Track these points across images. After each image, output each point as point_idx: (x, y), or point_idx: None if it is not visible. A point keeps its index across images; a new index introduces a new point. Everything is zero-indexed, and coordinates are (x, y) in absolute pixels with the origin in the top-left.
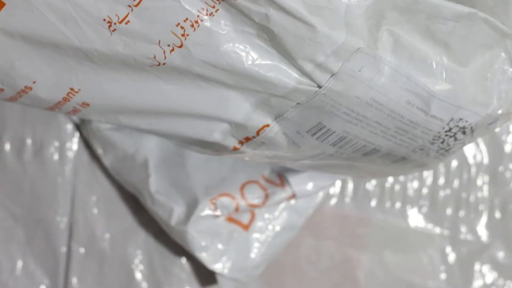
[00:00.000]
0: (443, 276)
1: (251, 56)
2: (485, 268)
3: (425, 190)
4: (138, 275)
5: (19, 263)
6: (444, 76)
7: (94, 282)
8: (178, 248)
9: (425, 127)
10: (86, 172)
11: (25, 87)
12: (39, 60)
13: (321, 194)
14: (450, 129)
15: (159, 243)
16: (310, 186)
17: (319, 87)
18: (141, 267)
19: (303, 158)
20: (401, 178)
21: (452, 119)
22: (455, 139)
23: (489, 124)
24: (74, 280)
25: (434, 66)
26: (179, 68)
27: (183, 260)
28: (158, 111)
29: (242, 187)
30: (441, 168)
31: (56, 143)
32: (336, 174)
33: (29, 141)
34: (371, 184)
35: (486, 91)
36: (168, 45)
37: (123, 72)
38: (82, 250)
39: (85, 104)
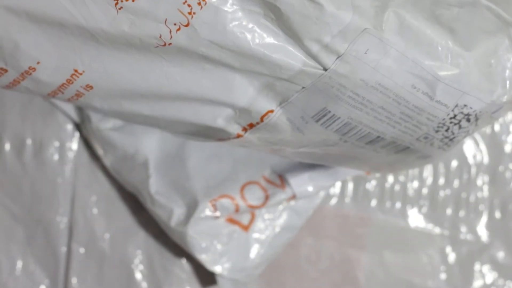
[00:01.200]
0: (443, 276)
1: (258, 36)
2: (485, 268)
3: (425, 190)
4: (138, 275)
5: (19, 263)
6: (450, 60)
7: (94, 282)
8: (178, 248)
9: (430, 113)
10: (86, 172)
11: (29, 68)
12: (43, 39)
13: (321, 195)
14: (454, 116)
15: (159, 243)
16: (310, 187)
17: (325, 69)
18: (141, 267)
19: (306, 146)
20: (401, 178)
21: (456, 105)
22: (460, 127)
23: (493, 112)
24: (74, 280)
25: (440, 50)
26: (185, 48)
27: (183, 260)
28: (162, 95)
29: (242, 188)
30: (441, 168)
31: (56, 143)
32: (338, 166)
33: (29, 141)
34: (371, 184)
35: (491, 77)
36: (175, 24)
37: (128, 53)
38: (82, 250)
39: (88, 87)
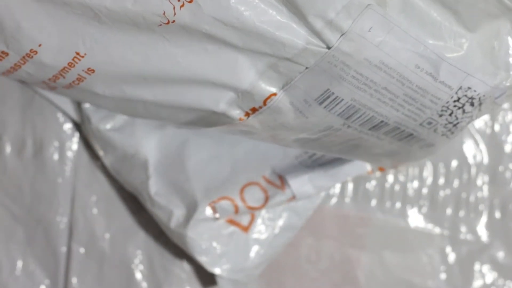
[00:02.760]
0: (443, 276)
1: (262, 13)
2: (485, 268)
3: (425, 190)
4: (138, 275)
5: (19, 263)
6: (453, 41)
7: (94, 282)
8: (178, 248)
9: (434, 95)
10: (86, 172)
11: (31, 50)
12: (46, 20)
13: (321, 195)
14: (458, 99)
15: (159, 243)
16: (310, 188)
17: (328, 48)
18: (141, 267)
19: (309, 131)
20: (401, 178)
21: (460, 88)
22: (463, 111)
23: (496, 97)
24: (74, 280)
25: (443, 30)
26: (188, 27)
27: (183, 260)
28: (164, 78)
29: (242, 190)
30: (441, 168)
31: (56, 143)
32: (340, 156)
33: (29, 141)
34: (371, 184)
35: (494, 61)
36: (178, 0)
37: (130, 35)
38: (82, 250)
39: (90, 70)
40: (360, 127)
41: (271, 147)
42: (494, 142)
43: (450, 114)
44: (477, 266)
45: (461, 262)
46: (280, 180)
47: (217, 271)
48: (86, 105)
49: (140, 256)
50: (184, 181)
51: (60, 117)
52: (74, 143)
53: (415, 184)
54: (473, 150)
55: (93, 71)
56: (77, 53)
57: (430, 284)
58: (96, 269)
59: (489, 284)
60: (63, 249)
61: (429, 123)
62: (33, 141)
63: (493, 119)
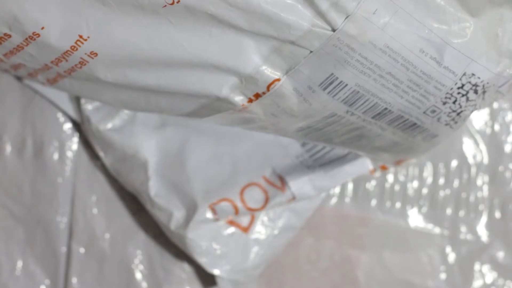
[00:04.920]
0: (443, 276)
1: None
2: (485, 268)
3: (425, 190)
4: (138, 275)
5: (19, 263)
6: (457, 25)
7: (94, 282)
8: (178, 249)
9: (438, 81)
10: (86, 172)
11: (33, 33)
12: (49, 3)
13: (321, 196)
14: (462, 86)
15: (159, 243)
16: (310, 190)
17: (333, 30)
18: (141, 267)
19: (312, 118)
20: (401, 178)
21: (464, 74)
22: (467, 99)
23: (500, 86)
24: (74, 280)
25: (447, 14)
26: (193, 8)
27: (183, 260)
28: (168, 62)
29: (242, 191)
30: (441, 168)
31: (56, 143)
32: (342, 147)
33: (29, 141)
34: (371, 184)
35: (498, 48)
36: None
37: (134, 17)
38: (82, 250)
39: (93, 54)
40: (363, 115)
41: (271, 146)
42: (494, 142)
43: (454, 102)
44: (477, 266)
45: (461, 262)
46: (281, 181)
47: (217, 272)
48: (86, 106)
49: (140, 256)
50: (184, 183)
51: (60, 117)
52: (74, 143)
53: (415, 184)
54: (473, 150)
55: (96, 54)
56: (80, 36)
57: (430, 284)
58: (96, 269)
59: (489, 284)
60: (63, 249)
61: (433, 111)
62: (33, 141)
63: (493, 119)
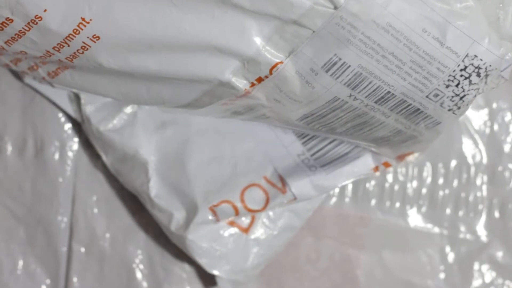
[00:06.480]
0: (442, 275)
1: None
2: (484, 268)
3: (424, 190)
4: (139, 275)
5: (20, 263)
6: (459, 4)
7: (94, 282)
8: (178, 248)
9: (441, 62)
10: (87, 172)
11: (35, 16)
12: None
13: (322, 196)
14: (465, 68)
15: (159, 243)
16: (311, 191)
17: (336, 8)
18: (141, 266)
19: (315, 102)
20: (401, 178)
21: (467, 55)
22: (470, 82)
23: (502, 70)
24: (74, 280)
25: None
26: None
27: (184, 260)
28: (170, 45)
29: (243, 192)
30: (441, 168)
31: (57, 143)
32: (345, 138)
33: (30, 141)
34: (371, 184)
35: (499, 31)
36: None
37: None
38: (82, 249)
39: (95, 37)
40: (366, 99)
41: (272, 146)
42: (493, 142)
43: (457, 85)
44: (476, 266)
45: (460, 262)
46: (281, 182)
47: (216, 272)
48: (87, 106)
49: (141, 255)
50: (185, 184)
51: (61, 117)
52: (75, 143)
53: (415, 184)
54: (472, 150)
55: (98, 38)
56: (83, 19)
57: (430, 284)
58: (96, 269)
59: (488, 283)
60: (64, 248)
61: (436, 95)
62: (34, 141)
63: (492, 119)
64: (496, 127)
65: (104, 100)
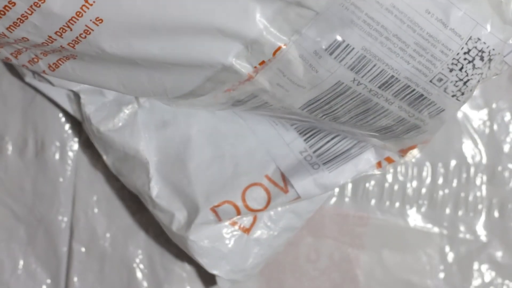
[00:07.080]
0: (441, 275)
1: None
2: (484, 267)
3: (424, 190)
4: (139, 274)
5: (21, 263)
6: None
7: (95, 281)
8: (179, 248)
9: (444, 45)
10: (87, 171)
11: None
12: None
13: (323, 197)
14: (468, 51)
15: (159, 242)
16: (315, 189)
17: None
18: (141, 266)
19: (319, 90)
20: (400, 177)
21: (470, 38)
22: (474, 66)
23: (505, 55)
24: (75, 279)
25: None
26: None
27: (184, 259)
28: (173, 28)
29: (244, 192)
30: (440, 168)
31: (58, 143)
32: (347, 128)
33: (30, 141)
34: (370, 184)
35: (502, 15)
36: None
37: None
38: (83, 249)
39: (98, 20)
40: (370, 84)
41: (274, 144)
42: (492, 142)
43: (461, 69)
44: (475, 265)
45: (460, 261)
46: (283, 181)
47: (217, 272)
48: (87, 106)
49: (141, 255)
50: (186, 184)
51: (62, 117)
52: (75, 143)
53: (414, 183)
54: (472, 150)
55: (101, 20)
56: (86, 1)
57: (429, 283)
58: (97, 268)
59: (487, 283)
60: (64, 248)
61: (440, 79)
62: (34, 141)
63: (492, 119)
64: (495, 127)
65: (104, 100)
